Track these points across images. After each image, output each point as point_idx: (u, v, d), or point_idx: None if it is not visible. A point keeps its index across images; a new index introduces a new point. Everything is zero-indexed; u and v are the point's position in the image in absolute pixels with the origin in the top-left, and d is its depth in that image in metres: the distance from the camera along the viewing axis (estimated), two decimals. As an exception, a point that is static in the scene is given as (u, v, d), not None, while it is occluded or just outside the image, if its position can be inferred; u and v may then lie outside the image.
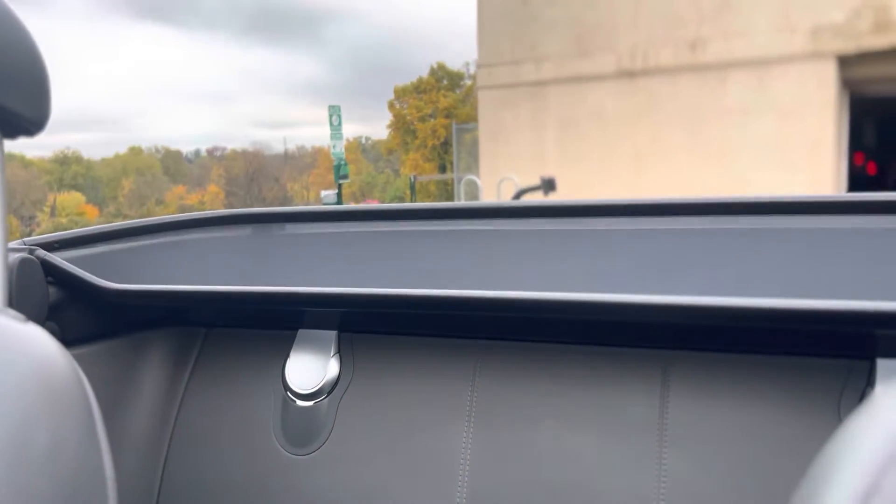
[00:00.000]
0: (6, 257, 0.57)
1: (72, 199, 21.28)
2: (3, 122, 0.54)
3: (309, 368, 0.88)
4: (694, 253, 0.71)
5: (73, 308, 0.86)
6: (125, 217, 20.54)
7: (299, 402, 0.88)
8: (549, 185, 5.18)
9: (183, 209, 21.44)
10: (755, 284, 0.65)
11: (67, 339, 0.86)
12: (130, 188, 22.32)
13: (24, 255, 0.80)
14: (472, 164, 14.85)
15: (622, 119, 10.09)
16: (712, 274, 0.68)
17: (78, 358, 0.88)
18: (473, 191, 10.00)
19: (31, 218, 20.11)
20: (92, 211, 21.22)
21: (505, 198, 8.08)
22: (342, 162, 9.12)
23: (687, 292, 0.65)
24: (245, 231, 0.94)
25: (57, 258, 0.83)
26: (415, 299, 0.74)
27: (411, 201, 14.87)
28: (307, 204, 19.13)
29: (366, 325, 0.89)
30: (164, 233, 0.93)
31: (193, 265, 0.90)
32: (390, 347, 0.87)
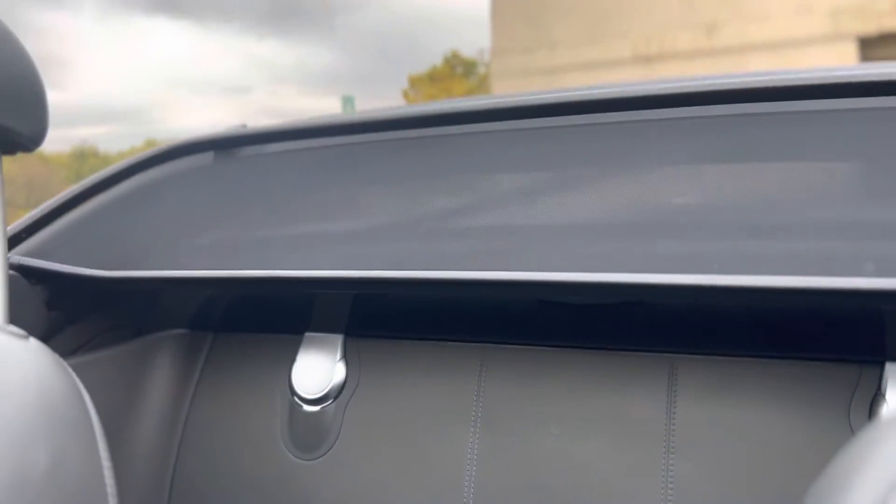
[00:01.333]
0: (6, 271, 0.56)
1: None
2: (1, 140, 0.53)
3: (315, 373, 0.88)
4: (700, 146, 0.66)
5: (74, 310, 0.85)
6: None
7: (306, 407, 0.87)
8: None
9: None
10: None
11: (72, 345, 0.86)
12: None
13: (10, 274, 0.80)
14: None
15: (638, 105, 10.02)
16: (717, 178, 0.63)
17: (85, 365, 0.88)
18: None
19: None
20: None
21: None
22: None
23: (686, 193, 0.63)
24: (206, 159, 0.86)
25: (38, 262, 0.81)
26: (420, 281, 0.70)
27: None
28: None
29: (371, 329, 0.88)
30: (122, 181, 0.88)
31: (168, 213, 0.85)
32: (396, 352, 0.86)
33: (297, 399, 0.88)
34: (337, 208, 0.77)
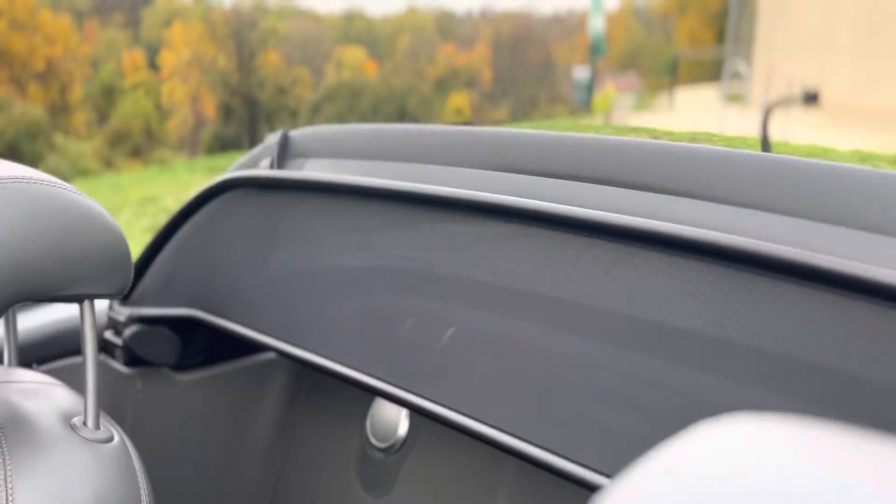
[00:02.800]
0: (96, 377, 0.61)
1: (354, 54, 22.78)
2: (88, 296, 0.61)
3: (385, 424, 0.97)
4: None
5: (187, 336, 1.00)
6: (400, 73, 21.63)
7: (374, 453, 0.98)
8: (810, 100, 4.50)
9: (451, 69, 21.94)
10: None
11: (190, 363, 1.03)
12: (405, 46, 23.40)
13: (134, 328, 0.96)
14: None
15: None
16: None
17: (204, 381, 1.05)
18: (740, 86, 9.03)
19: (319, 70, 21.89)
20: (371, 66, 22.58)
21: (774, 95, 7.22)
22: (599, 39, 8.72)
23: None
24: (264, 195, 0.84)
25: (146, 310, 0.94)
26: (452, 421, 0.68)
27: (670, 86, 13.64)
28: (569, 68, 18.56)
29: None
30: (178, 227, 0.92)
31: (236, 253, 0.86)
32: (448, 432, 0.92)
33: (368, 443, 0.99)
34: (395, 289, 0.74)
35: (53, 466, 0.54)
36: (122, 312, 0.97)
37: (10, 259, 0.53)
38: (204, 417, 1.06)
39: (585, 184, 0.67)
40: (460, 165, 0.76)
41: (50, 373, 0.71)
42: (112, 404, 0.99)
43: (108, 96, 17.41)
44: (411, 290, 0.72)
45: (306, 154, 0.89)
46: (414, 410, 0.71)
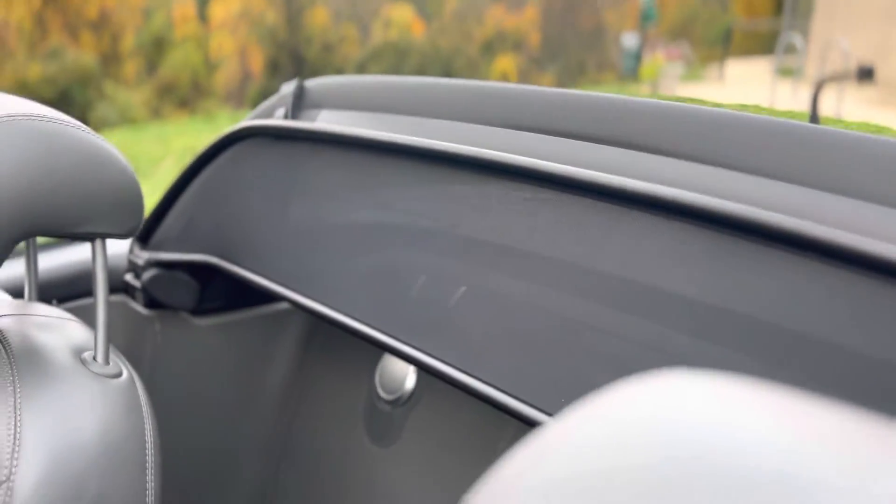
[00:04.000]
0: (106, 311, 0.64)
1: (402, 13, 22.56)
2: (100, 235, 0.63)
3: (393, 377, 1.00)
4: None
5: (206, 281, 1.03)
6: (447, 34, 21.42)
7: (382, 405, 1.01)
8: (865, 75, 4.30)
9: (499, 31, 21.67)
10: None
11: (210, 308, 1.06)
12: (454, 7, 23.07)
13: (153, 272, 0.98)
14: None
15: None
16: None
17: (222, 326, 1.08)
18: (794, 60, 8.72)
19: (367, 28, 21.77)
20: (418, 26, 22.37)
21: (829, 70, 6.95)
22: (650, 5, 8.48)
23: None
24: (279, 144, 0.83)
25: (165, 255, 0.96)
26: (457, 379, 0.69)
27: (722, 57, 13.26)
28: (617, 34, 18.11)
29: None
30: (200, 172, 0.92)
31: (254, 200, 0.86)
32: (454, 388, 0.94)
33: (376, 395, 1.01)
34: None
35: (61, 397, 0.56)
36: (142, 256, 1.00)
37: (22, 193, 0.54)
38: (219, 362, 1.09)
39: (609, 147, 0.66)
40: (480, 122, 0.76)
41: (69, 311, 0.73)
42: (131, 344, 1.03)
43: (157, 47, 17.57)
44: (423, 248, 0.72)
45: (321, 105, 0.89)
46: (420, 367, 0.72)
